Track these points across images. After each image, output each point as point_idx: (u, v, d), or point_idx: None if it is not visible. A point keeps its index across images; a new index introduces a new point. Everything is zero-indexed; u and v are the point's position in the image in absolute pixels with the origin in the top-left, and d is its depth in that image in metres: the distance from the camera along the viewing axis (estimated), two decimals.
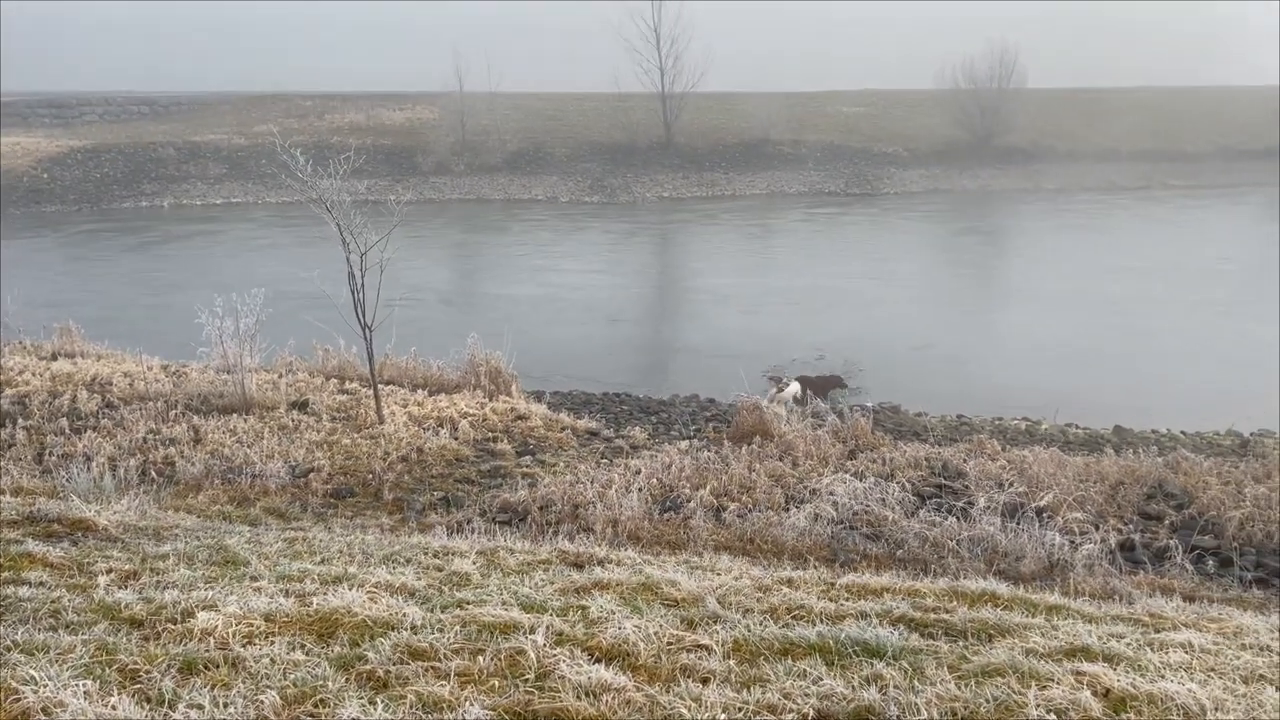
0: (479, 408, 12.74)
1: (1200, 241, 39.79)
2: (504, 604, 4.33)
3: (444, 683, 3.25)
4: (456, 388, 14.15)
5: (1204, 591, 7.47)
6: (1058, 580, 7.40)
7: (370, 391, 12.41)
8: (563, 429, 12.33)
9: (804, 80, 75.12)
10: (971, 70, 66.73)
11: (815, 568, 6.78)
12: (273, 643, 3.66)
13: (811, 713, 3.12)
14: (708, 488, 9.19)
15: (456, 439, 11.26)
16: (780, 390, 15.11)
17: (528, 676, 3.36)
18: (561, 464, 10.50)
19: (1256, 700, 3.62)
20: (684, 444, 11.96)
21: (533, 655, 3.50)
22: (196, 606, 4.10)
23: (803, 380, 16.25)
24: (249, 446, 10.43)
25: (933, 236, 44.01)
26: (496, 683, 3.31)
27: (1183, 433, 15.29)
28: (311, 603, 4.24)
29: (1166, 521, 9.41)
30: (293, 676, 3.29)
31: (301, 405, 12.45)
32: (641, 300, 30.03)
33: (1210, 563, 8.42)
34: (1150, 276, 30.61)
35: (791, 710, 3.13)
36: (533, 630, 3.79)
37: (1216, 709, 3.43)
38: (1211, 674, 4.05)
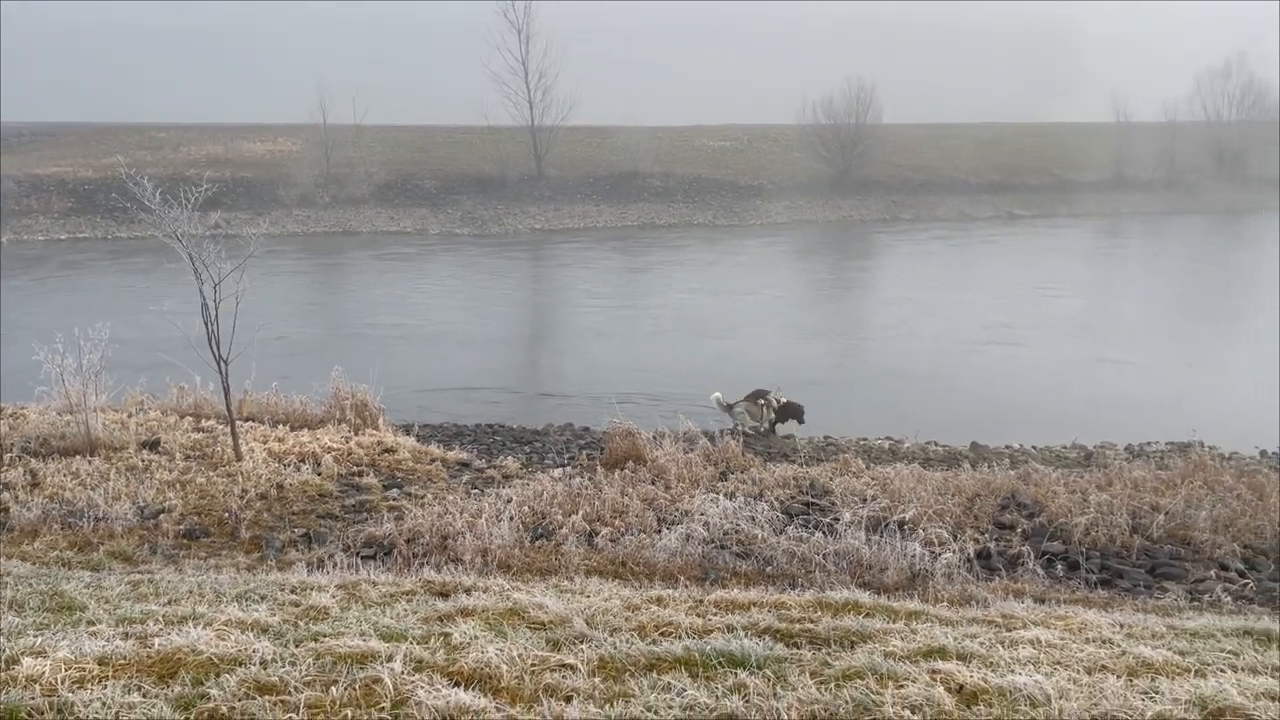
0: (344, 442, 12.36)
1: (1041, 267, 42.01)
2: (362, 635, 4.17)
3: (293, 715, 3.10)
4: (321, 423, 13.70)
5: (1054, 593, 7.82)
6: (919, 589, 7.62)
7: (228, 428, 11.89)
8: (432, 461, 12.07)
9: (671, 115, 76.56)
10: (831, 106, 69.30)
11: (686, 586, 6.81)
12: (105, 686, 3.42)
13: None
14: (580, 513, 9.14)
15: (320, 474, 10.89)
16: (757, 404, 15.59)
17: (383, 704, 3.24)
18: (430, 496, 10.26)
19: (1098, 688, 3.78)
20: (557, 472, 11.86)
21: (389, 683, 3.38)
22: (22, 653, 3.80)
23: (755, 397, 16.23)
24: (93, 489, 9.82)
25: (791, 268, 45.06)
26: (350, 712, 3.18)
27: (1033, 447, 15.99)
28: (153, 644, 3.99)
29: (1019, 530, 9.82)
30: (126, 719, 3.08)
31: (153, 444, 11.83)
32: (516, 331, 29.83)
33: (1059, 566, 8.85)
34: (992, 303, 32.18)
35: None
36: (390, 658, 3.66)
37: (1061, 697, 3.57)
38: (1058, 666, 4.22)
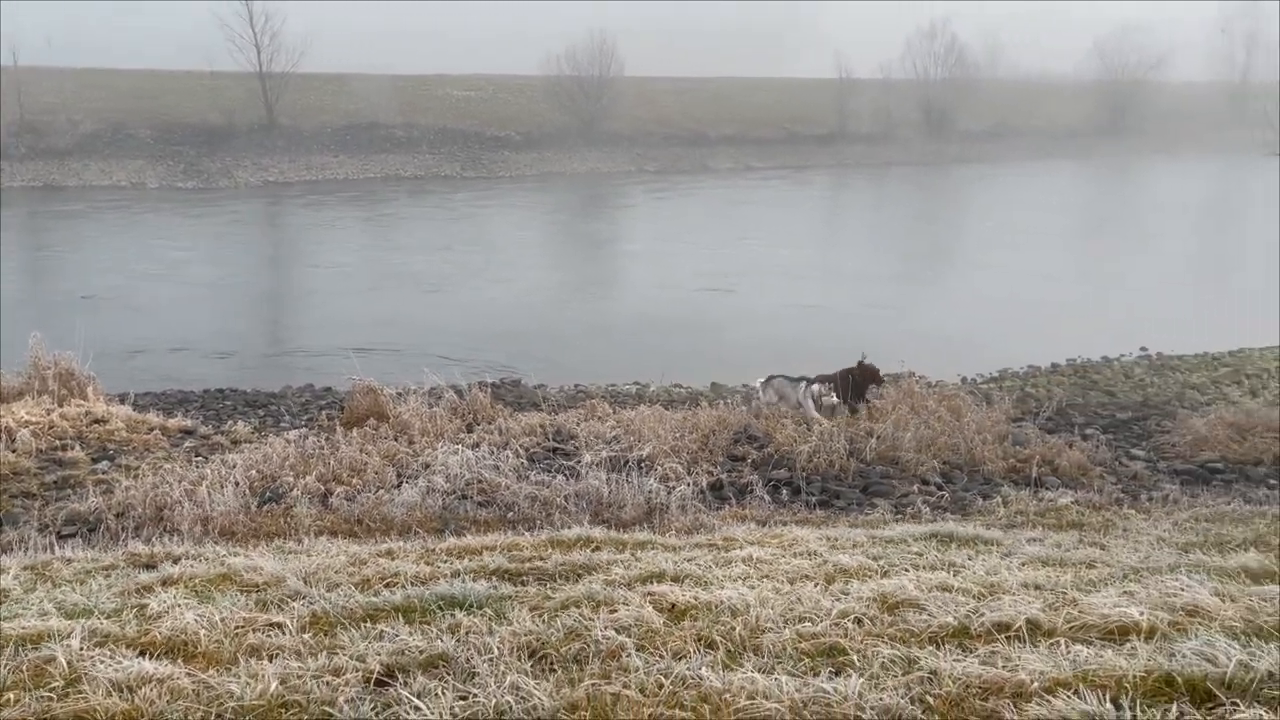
0: (45, 415, 11.19)
1: (764, 216, 44.02)
2: (42, 614, 3.81)
3: None
4: (19, 395, 12.31)
5: (778, 516, 8.33)
6: (655, 522, 7.91)
7: None
8: (150, 430, 11.18)
9: (412, 63, 74.08)
10: (574, 58, 69.48)
11: (422, 538, 6.71)
12: None
13: (379, 668, 3.03)
14: (313, 474, 8.79)
15: (14, 451, 9.80)
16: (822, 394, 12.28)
17: (55, 684, 2.96)
18: (146, 466, 9.51)
19: (797, 595, 4.06)
20: (293, 434, 11.32)
21: (64, 660, 3.10)
22: None
23: (825, 378, 12.95)
24: None
25: (530, 221, 44.80)
26: (14, 695, 2.88)
27: None
28: None
29: (749, 461, 10.38)
30: None
31: None
32: (247, 290, 28.02)
33: (784, 492, 9.44)
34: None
35: (358, 669, 3.03)
36: (68, 636, 3.36)
37: (761, 605, 3.80)
38: (765, 579, 4.50)
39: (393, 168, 57.70)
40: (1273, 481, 9.55)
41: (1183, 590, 3.75)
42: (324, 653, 3.24)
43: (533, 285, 27.07)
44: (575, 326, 22.06)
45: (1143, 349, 18.44)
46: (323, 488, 8.56)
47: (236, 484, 8.25)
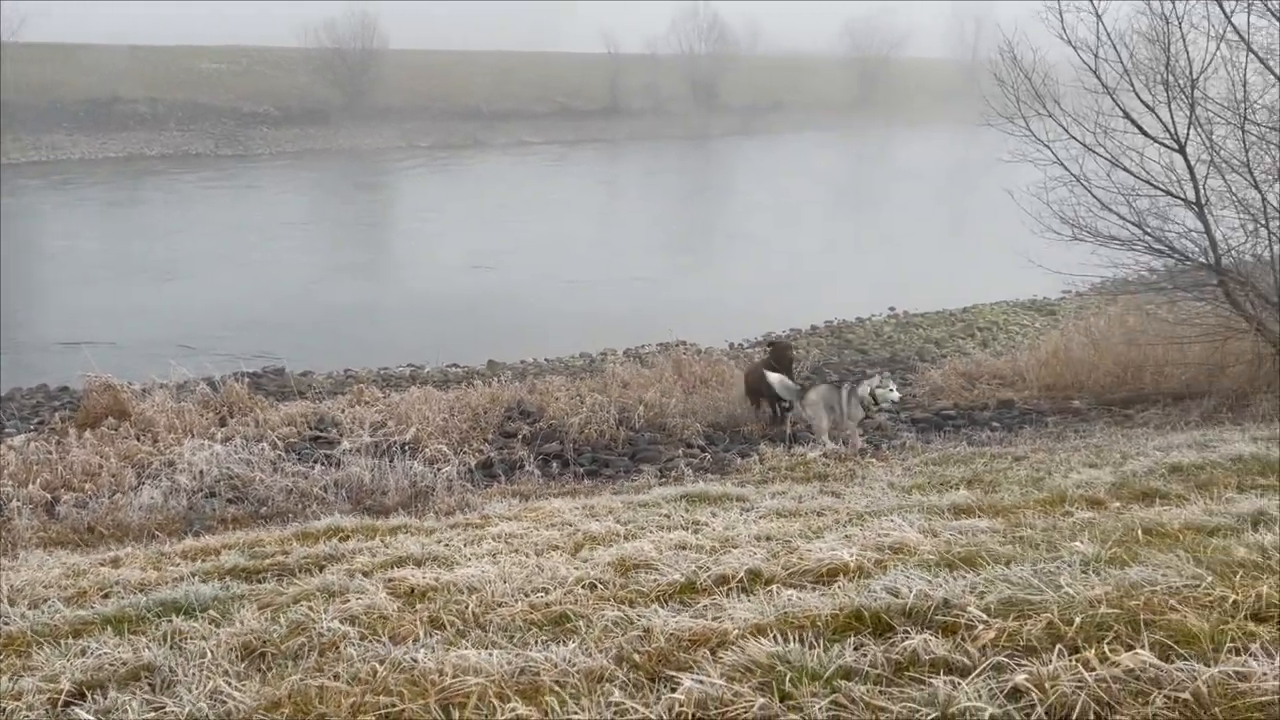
0: None
1: (529, 191, 43.67)
2: None
3: None
4: None
5: (547, 489, 8.35)
6: (419, 506, 7.75)
7: None
8: None
9: (156, 33, 68.67)
10: (334, 30, 66.57)
11: (160, 542, 6.28)
12: None
13: (70, 687, 2.79)
14: (37, 481, 8.05)
15: None
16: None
17: None
18: None
19: (540, 566, 4.07)
20: (19, 439, 10.35)
21: None
22: None
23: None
24: None
25: (291, 198, 42.48)
26: None
27: (545, 359, 16.90)
28: None
29: (521, 436, 10.38)
30: None
31: None
32: None
33: (555, 465, 9.51)
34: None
35: (44, 691, 2.78)
36: None
37: (502, 580, 3.78)
38: (514, 554, 4.49)
39: (137, 146, 53.35)
40: (995, 424, 10.50)
41: (893, 530, 4.05)
42: (8, 676, 2.95)
43: (290, 268, 25.74)
44: (339, 310, 21.20)
45: (891, 309, 19.80)
46: (49, 496, 7.86)
47: None
